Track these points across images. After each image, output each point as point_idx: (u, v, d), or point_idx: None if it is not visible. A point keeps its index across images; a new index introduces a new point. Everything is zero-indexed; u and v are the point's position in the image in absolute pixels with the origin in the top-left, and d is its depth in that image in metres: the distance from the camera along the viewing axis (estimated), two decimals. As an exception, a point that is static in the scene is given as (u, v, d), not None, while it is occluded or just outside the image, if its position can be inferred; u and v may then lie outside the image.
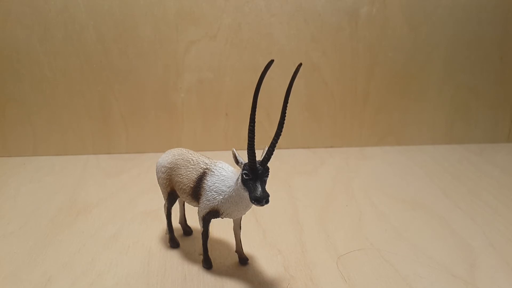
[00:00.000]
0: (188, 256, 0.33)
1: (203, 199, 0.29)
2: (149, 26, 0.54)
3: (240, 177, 0.27)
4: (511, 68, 0.63)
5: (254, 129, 0.25)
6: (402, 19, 0.58)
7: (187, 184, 0.31)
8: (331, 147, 0.62)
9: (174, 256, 0.33)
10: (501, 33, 0.61)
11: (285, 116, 0.26)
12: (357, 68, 0.60)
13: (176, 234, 0.35)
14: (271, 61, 0.24)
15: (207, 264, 0.32)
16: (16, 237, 0.36)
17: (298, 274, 0.31)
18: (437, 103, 0.63)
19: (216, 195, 0.29)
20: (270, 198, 0.26)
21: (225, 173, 0.29)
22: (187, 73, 0.57)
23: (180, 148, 0.34)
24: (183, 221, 0.37)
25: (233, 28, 0.56)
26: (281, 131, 0.26)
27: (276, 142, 0.26)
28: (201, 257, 0.32)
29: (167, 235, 0.35)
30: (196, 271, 0.31)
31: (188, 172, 0.31)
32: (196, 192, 0.30)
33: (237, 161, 0.27)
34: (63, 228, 0.37)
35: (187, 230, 0.37)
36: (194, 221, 0.37)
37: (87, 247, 0.34)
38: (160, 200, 0.44)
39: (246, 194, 0.26)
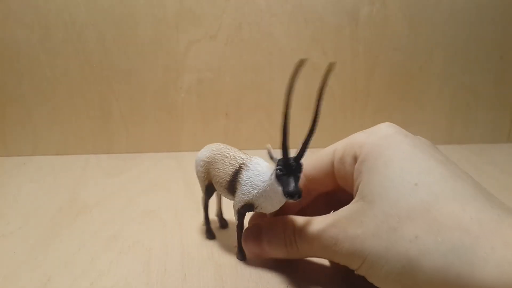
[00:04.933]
0: (188, 256, 0.33)
1: (239, 192, 0.30)
2: (149, 26, 0.54)
3: (274, 172, 0.27)
4: (511, 68, 0.63)
5: (288, 126, 0.26)
6: (402, 19, 0.58)
7: (223, 178, 0.31)
8: (331, 147, 0.62)
9: (174, 256, 0.33)
10: (501, 33, 0.61)
11: (319, 113, 0.27)
12: (357, 68, 0.60)
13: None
14: (302, 61, 0.25)
15: (241, 256, 0.32)
16: (16, 237, 0.36)
17: (298, 274, 0.31)
18: (437, 103, 0.63)
19: (251, 189, 0.29)
20: (301, 194, 0.26)
21: (260, 168, 0.30)
22: (187, 73, 0.57)
23: (218, 143, 0.34)
24: (219, 213, 0.38)
25: (233, 28, 0.56)
26: (315, 128, 0.27)
27: (310, 138, 0.27)
28: (235, 249, 0.33)
29: (204, 227, 0.36)
30: (196, 271, 0.31)
31: (225, 167, 0.31)
32: (232, 186, 0.31)
33: (271, 157, 0.28)
34: (63, 228, 0.37)
35: (223, 223, 0.38)
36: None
37: (87, 247, 0.34)
38: (160, 200, 0.44)
39: (280, 189, 0.27)
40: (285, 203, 0.30)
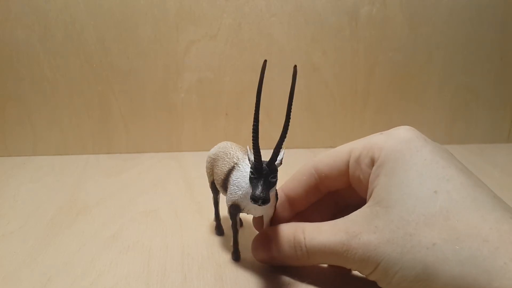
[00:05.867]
0: (188, 256, 0.33)
1: (228, 192, 0.30)
2: (149, 26, 0.54)
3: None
4: (511, 68, 0.63)
5: (258, 128, 0.25)
6: (402, 19, 0.58)
7: (219, 175, 0.32)
8: (331, 147, 0.62)
9: (174, 256, 0.33)
10: (501, 33, 0.61)
11: (290, 119, 0.26)
12: (357, 68, 0.60)
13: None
14: (265, 61, 0.24)
15: (236, 256, 0.32)
16: (16, 237, 0.36)
17: (299, 274, 0.31)
18: (437, 103, 0.63)
19: (237, 190, 0.29)
20: (265, 200, 0.25)
21: (248, 169, 0.29)
22: (187, 73, 0.57)
23: (227, 142, 0.34)
24: None
25: (233, 28, 0.56)
26: (286, 134, 0.26)
27: (281, 144, 0.26)
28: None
29: (214, 222, 0.36)
30: (196, 271, 0.31)
31: (223, 165, 0.32)
32: (225, 184, 0.31)
33: (249, 159, 0.27)
34: (63, 228, 0.37)
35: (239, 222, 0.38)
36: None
37: (87, 247, 0.34)
38: (160, 200, 0.44)
39: None
40: (291, 201, 0.30)
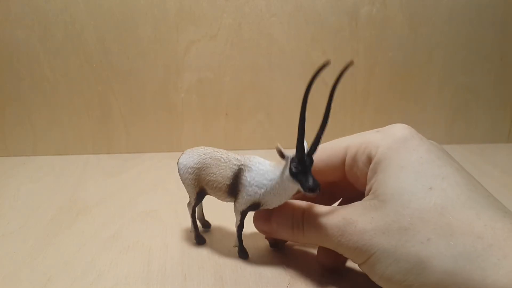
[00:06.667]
0: (188, 256, 0.33)
1: (243, 194, 0.30)
2: (149, 26, 0.54)
3: (287, 170, 0.28)
4: (511, 68, 0.63)
5: (304, 125, 0.27)
6: (402, 19, 0.58)
7: (222, 182, 0.31)
8: (331, 147, 0.62)
9: (174, 256, 0.33)
10: (501, 33, 0.61)
11: (330, 110, 0.28)
12: (357, 68, 0.60)
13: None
14: (328, 61, 0.26)
15: (243, 254, 0.33)
16: (16, 237, 0.36)
17: (299, 274, 0.31)
18: (437, 103, 0.63)
19: (257, 189, 0.29)
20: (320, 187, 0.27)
21: (262, 167, 0.30)
22: (187, 73, 0.57)
23: (202, 147, 0.33)
24: (201, 216, 0.38)
25: (233, 28, 0.56)
26: (326, 125, 0.28)
27: (322, 134, 0.28)
28: (235, 248, 0.33)
29: (192, 233, 0.36)
30: (196, 271, 0.31)
31: (221, 170, 0.31)
32: (233, 188, 0.30)
33: (282, 156, 0.28)
34: (63, 228, 0.37)
35: (205, 224, 0.38)
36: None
37: (87, 247, 0.34)
38: (160, 200, 0.44)
39: (292, 185, 0.27)
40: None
